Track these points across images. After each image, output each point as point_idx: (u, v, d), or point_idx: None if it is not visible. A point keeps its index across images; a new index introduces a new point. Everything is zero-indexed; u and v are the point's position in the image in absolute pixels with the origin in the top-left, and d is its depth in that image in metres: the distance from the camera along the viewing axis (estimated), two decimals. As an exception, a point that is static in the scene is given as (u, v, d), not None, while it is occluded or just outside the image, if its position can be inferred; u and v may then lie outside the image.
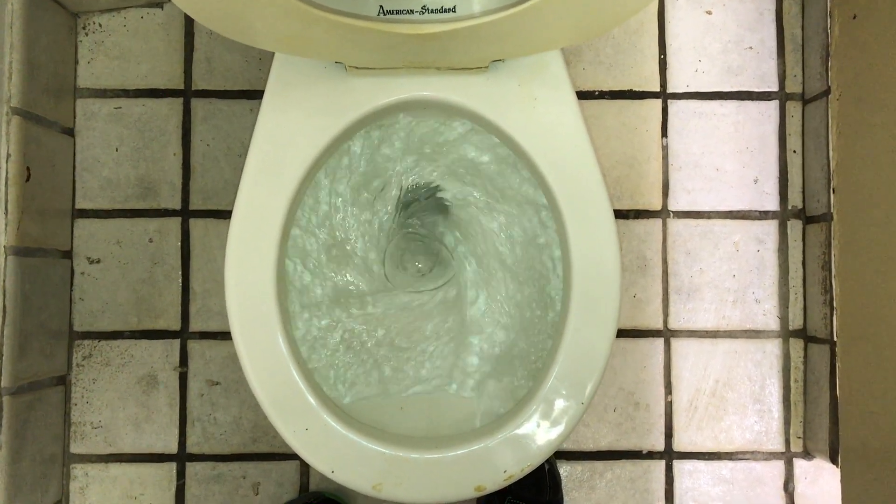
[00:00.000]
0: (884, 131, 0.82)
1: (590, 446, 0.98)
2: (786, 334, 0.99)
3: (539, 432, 0.68)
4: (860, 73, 0.86)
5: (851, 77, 0.88)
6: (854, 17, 0.87)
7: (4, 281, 0.83)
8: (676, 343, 0.99)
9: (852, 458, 0.87)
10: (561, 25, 0.64)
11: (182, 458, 0.97)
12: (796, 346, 0.99)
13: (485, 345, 0.80)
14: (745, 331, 0.99)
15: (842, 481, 0.88)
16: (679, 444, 0.98)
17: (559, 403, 0.68)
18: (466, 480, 0.67)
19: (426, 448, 0.68)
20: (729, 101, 1.00)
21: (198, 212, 0.98)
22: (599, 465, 0.98)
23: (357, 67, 0.69)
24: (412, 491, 0.67)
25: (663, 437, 0.98)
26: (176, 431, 0.97)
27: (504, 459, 0.67)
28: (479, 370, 0.79)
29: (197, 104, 0.98)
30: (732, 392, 0.98)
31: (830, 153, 0.92)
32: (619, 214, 0.99)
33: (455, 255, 0.82)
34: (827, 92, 0.93)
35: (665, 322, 0.99)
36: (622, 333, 0.99)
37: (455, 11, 0.66)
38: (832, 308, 0.92)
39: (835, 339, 0.91)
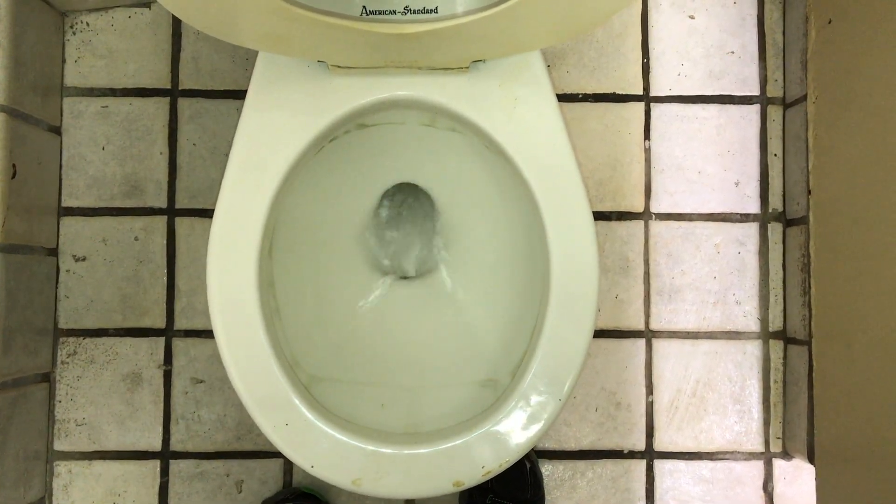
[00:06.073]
0: (858, 133, 0.83)
1: (571, 446, 0.99)
2: (766, 336, 1.00)
3: (517, 428, 0.68)
4: (836, 77, 0.88)
5: (828, 80, 0.89)
6: (829, 22, 0.88)
7: (-11, 277, 0.83)
8: (658, 344, 1.00)
9: (827, 457, 0.88)
10: (541, 25, 0.65)
11: (166, 455, 0.97)
12: (776, 347, 1.00)
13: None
14: (726, 332, 1.00)
15: (816, 480, 0.89)
16: (660, 444, 0.99)
17: (537, 400, 0.69)
18: (444, 476, 0.68)
19: (405, 444, 0.68)
20: (711, 105, 1.01)
21: (183, 210, 0.98)
22: (581, 464, 0.99)
23: (339, 66, 0.70)
24: (391, 486, 0.68)
25: (644, 436, 0.99)
26: (160, 429, 0.97)
27: (482, 455, 0.68)
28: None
29: (184, 103, 0.99)
30: (713, 393, 0.99)
31: (809, 156, 0.93)
32: (602, 216, 1.00)
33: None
34: (807, 96, 0.94)
35: (647, 323, 1.00)
36: (604, 334, 0.99)
37: (437, 12, 0.67)
38: (811, 310, 0.93)
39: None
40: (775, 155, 1.01)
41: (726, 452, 0.99)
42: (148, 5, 0.99)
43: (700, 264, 1.00)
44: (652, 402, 0.99)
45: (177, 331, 0.98)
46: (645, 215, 1.00)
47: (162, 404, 0.97)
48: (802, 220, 0.95)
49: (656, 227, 1.00)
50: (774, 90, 1.01)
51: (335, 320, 0.84)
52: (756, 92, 1.01)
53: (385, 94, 0.71)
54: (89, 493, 0.96)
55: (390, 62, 0.70)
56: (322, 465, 0.68)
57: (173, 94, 0.99)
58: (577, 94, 1.01)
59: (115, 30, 0.99)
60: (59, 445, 0.96)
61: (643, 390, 0.99)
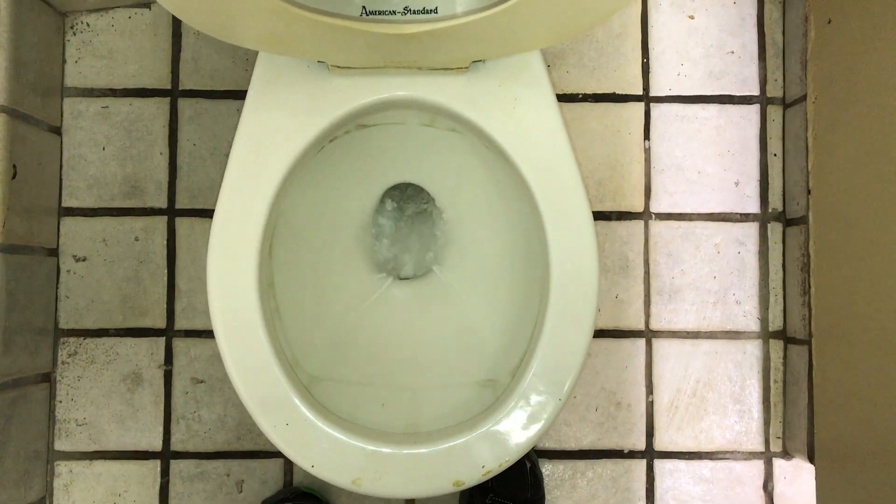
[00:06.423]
0: (858, 133, 0.83)
1: (571, 445, 0.99)
2: (766, 335, 1.00)
3: (517, 428, 0.69)
4: (836, 77, 0.88)
5: (827, 80, 0.89)
6: (829, 22, 0.88)
7: (-11, 277, 0.83)
8: (658, 343, 1.00)
9: (827, 456, 0.88)
10: (541, 26, 0.65)
11: (166, 455, 0.97)
12: (776, 347, 1.00)
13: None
14: (726, 332, 1.00)
15: (816, 479, 0.89)
16: (660, 444, 0.99)
17: (537, 400, 0.69)
18: (445, 475, 0.68)
19: (405, 443, 0.68)
20: (711, 105, 1.01)
21: (184, 211, 0.98)
22: (581, 464, 0.99)
23: (339, 67, 0.70)
24: (391, 486, 0.68)
25: (644, 436, 0.99)
26: (160, 429, 0.97)
27: (482, 455, 0.68)
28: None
29: (184, 104, 0.99)
30: (713, 392, 0.99)
31: (809, 156, 0.93)
32: (602, 216, 1.00)
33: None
34: (807, 96, 0.94)
35: (647, 323, 1.00)
36: (604, 334, 1.00)
37: (437, 12, 0.67)
38: (811, 309, 0.93)
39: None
40: (775, 155, 1.01)
41: (726, 452, 0.99)
42: (148, 6, 0.99)
43: (700, 264, 1.00)
44: (652, 402, 0.99)
45: (177, 331, 0.98)
46: (645, 215, 1.00)
47: (162, 404, 0.97)
48: (802, 220, 0.95)
49: (656, 226, 1.00)
50: (774, 90, 1.01)
51: (335, 320, 0.84)
52: (756, 92, 1.02)
53: (385, 95, 0.71)
54: (90, 493, 0.96)
55: (390, 62, 0.70)
56: (322, 464, 0.68)
57: (173, 94, 0.99)
58: (577, 95, 1.01)
59: (115, 30, 0.99)
60: (60, 445, 0.96)
61: (643, 390, 0.99)
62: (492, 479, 0.73)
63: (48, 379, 0.96)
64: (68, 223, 0.98)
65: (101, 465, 0.97)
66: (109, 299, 0.98)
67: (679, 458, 0.99)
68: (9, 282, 0.86)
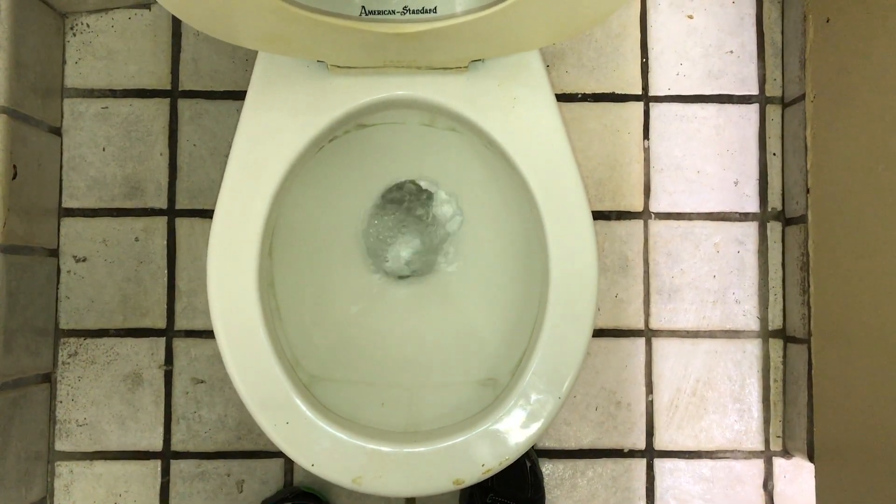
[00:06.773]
0: (857, 132, 0.83)
1: (572, 445, 0.99)
2: (765, 334, 1.00)
3: (517, 427, 0.69)
4: (834, 76, 0.88)
5: (826, 79, 0.90)
6: (827, 21, 0.88)
7: (-10, 277, 0.84)
8: (657, 343, 1.00)
9: (826, 455, 0.88)
10: (539, 25, 0.65)
11: (167, 455, 0.97)
12: (776, 346, 1.00)
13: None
14: (726, 331, 1.00)
15: (816, 478, 0.89)
16: (660, 443, 0.99)
17: (537, 398, 0.69)
18: (445, 474, 0.68)
19: (405, 442, 0.69)
20: (710, 105, 1.01)
21: (184, 211, 0.99)
22: (581, 463, 0.99)
23: (339, 66, 0.70)
24: (391, 484, 0.68)
25: (644, 435, 0.99)
26: (161, 429, 0.97)
27: (482, 453, 0.68)
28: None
29: (184, 104, 0.99)
30: (713, 391, 1.00)
31: (808, 155, 0.93)
32: (601, 216, 1.00)
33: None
34: (805, 95, 0.94)
35: (646, 322, 1.00)
36: (604, 333, 1.00)
37: (436, 12, 0.67)
38: (810, 308, 0.93)
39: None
40: (774, 154, 1.01)
41: (726, 451, 0.99)
42: (148, 6, 0.99)
43: (699, 263, 1.00)
44: (652, 402, 0.99)
45: (177, 331, 0.98)
46: (644, 215, 1.00)
47: (163, 404, 0.97)
48: (801, 219, 0.95)
49: (655, 226, 1.00)
50: (773, 89, 1.02)
51: (335, 320, 0.84)
52: (755, 91, 1.02)
53: (384, 94, 0.71)
54: (90, 494, 0.97)
55: (389, 62, 0.70)
56: (323, 463, 0.68)
57: (173, 95, 0.99)
58: (577, 94, 1.01)
59: (115, 31, 0.99)
60: (61, 446, 0.97)
61: (643, 389, 0.99)
62: (492, 477, 0.73)
63: (48, 379, 0.96)
64: (68, 223, 0.98)
65: (101, 466, 0.97)
66: (110, 299, 0.98)
67: (679, 458, 0.99)
68: (9, 282, 0.86)
